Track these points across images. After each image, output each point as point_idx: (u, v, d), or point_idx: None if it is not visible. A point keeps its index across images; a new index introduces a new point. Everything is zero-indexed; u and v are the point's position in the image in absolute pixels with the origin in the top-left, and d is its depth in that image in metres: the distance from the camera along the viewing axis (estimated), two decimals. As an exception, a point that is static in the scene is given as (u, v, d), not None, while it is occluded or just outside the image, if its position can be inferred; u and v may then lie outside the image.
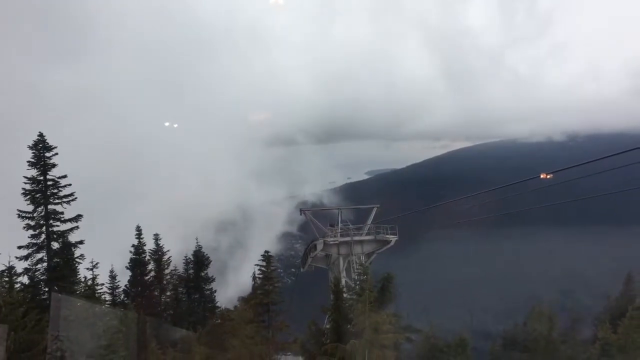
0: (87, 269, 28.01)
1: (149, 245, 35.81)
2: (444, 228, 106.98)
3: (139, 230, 34.93)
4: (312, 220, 45.41)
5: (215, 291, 39.34)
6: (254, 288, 33.72)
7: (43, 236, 26.32)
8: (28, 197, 25.99)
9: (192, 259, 38.28)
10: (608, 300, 40.30)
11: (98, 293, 29.10)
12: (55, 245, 26.61)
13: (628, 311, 29.64)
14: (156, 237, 36.10)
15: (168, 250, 36.36)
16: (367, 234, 43.26)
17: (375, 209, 45.72)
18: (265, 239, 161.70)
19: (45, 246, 26.32)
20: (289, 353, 31.95)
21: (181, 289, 37.54)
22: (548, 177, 19.10)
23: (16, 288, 24.14)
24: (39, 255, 26.23)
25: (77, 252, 27.26)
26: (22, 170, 26.02)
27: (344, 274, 40.38)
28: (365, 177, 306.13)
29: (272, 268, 32.96)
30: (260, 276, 33.28)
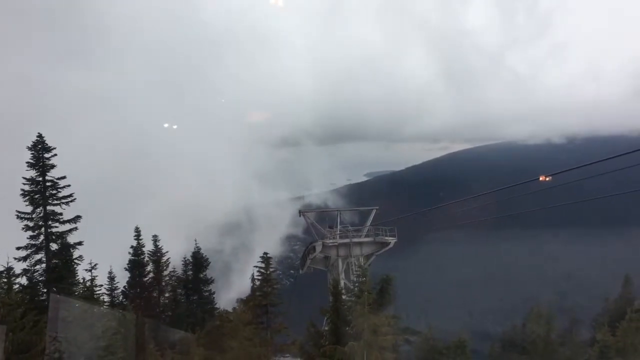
0: (86, 270, 27.98)
1: (150, 246, 35.81)
2: (443, 230, 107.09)
3: (137, 232, 34.88)
4: (311, 222, 45.43)
5: (214, 293, 39.28)
6: (253, 290, 33.74)
7: (42, 237, 26.27)
8: (27, 198, 25.97)
9: (191, 260, 38.22)
10: (606, 302, 40.29)
11: (97, 294, 29.06)
12: (54, 246, 26.57)
13: (627, 313, 29.65)
14: (155, 239, 36.05)
15: (167, 252, 36.31)
16: (366, 235, 43.28)
17: (374, 211, 45.76)
18: (269, 241, 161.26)
19: (44, 247, 26.27)
20: (288, 355, 31.94)
21: (180, 291, 37.46)
22: (547, 179, 19.15)
23: (15, 289, 24.06)
24: (38, 256, 26.17)
25: (76, 254, 27.23)
26: (22, 171, 26.07)
27: (343, 275, 40.38)
28: (365, 178, 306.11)
29: (270, 270, 33.00)
30: (259, 278, 33.32)
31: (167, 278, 36.53)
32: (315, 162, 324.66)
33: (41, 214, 26.20)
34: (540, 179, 18.99)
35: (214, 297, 39.05)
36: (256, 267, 33.72)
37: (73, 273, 27.22)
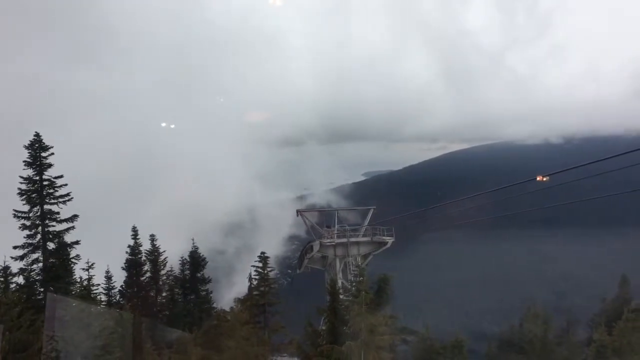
0: (83, 269, 27.96)
1: (152, 246, 35.81)
2: (440, 230, 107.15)
3: (134, 231, 34.87)
4: (309, 221, 45.42)
5: (211, 292, 39.29)
6: (250, 289, 33.74)
7: (39, 236, 26.28)
8: (24, 197, 25.93)
9: (189, 259, 38.21)
10: (603, 302, 40.41)
11: (94, 294, 29.04)
12: (51, 245, 26.55)
13: (623, 313, 29.73)
14: (152, 238, 36.05)
15: (164, 251, 36.31)
16: (364, 235, 43.29)
17: (371, 211, 45.78)
18: (271, 241, 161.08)
19: (41, 246, 26.27)
20: (285, 354, 31.94)
21: (177, 290, 37.46)
22: (544, 179, 19.19)
23: (11, 288, 24.10)
24: (35, 256, 26.19)
25: (73, 253, 27.22)
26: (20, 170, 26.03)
27: (340, 275, 40.38)
28: (363, 178, 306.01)
29: (268, 269, 33.01)
30: (257, 277, 33.32)
31: (165, 277, 36.56)
32: (314, 161, 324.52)
33: (38, 213, 26.18)
34: (538, 179, 19.03)
35: (211, 297, 39.07)
36: (253, 266, 33.75)
37: (70, 272, 27.22)
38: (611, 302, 39.20)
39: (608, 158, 14.89)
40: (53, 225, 26.55)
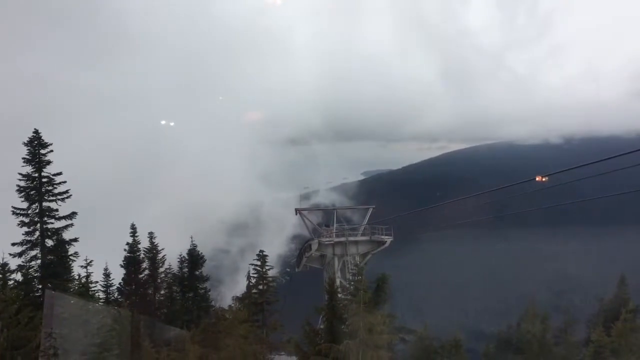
0: (82, 266, 27.95)
1: (153, 244, 35.81)
2: (439, 229, 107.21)
3: (133, 229, 34.85)
4: (308, 220, 45.45)
5: (209, 290, 39.30)
6: (249, 287, 33.78)
7: (37, 233, 26.26)
8: (23, 194, 25.91)
9: (187, 257, 38.19)
10: (601, 302, 40.40)
11: (92, 291, 29.06)
12: (49, 242, 26.53)
13: (622, 314, 29.75)
14: (151, 236, 36.04)
15: (163, 249, 36.29)
16: (362, 234, 43.32)
17: (370, 210, 45.81)
18: (275, 240, 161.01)
19: (39, 243, 26.25)
20: (283, 353, 31.96)
21: (175, 288, 37.47)
22: (544, 179, 19.20)
23: (10, 285, 24.05)
24: (33, 253, 26.17)
25: (72, 250, 27.22)
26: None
27: (338, 274, 40.40)
28: (362, 177, 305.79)
29: (266, 267, 33.05)
30: (255, 275, 33.35)
31: (163, 275, 36.54)
32: (314, 160, 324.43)
33: (37, 210, 26.15)
34: (537, 179, 19.05)
35: (209, 295, 39.07)
36: (252, 264, 33.78)
37: (68, 269, 27.24)
38: (609, 302, 39.18)
39: (608, 159, 14.90)
40: (52, 223, 26.54)
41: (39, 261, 26.21)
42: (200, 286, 38.33)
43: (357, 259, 41.38)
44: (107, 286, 32.89)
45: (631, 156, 13.99)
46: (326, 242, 41.55)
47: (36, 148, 25.95)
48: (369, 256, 42.56)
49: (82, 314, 21.10)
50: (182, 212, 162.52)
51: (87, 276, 28.66)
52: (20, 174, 25.88)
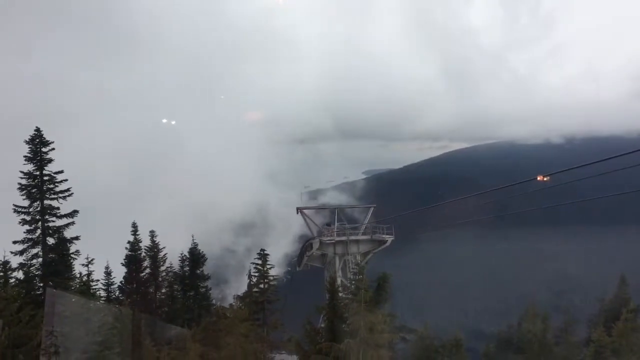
0: (83, 265, 27.99)
1: (154, 242, 35.85)
2: (440, 229, 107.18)
3: (134, 227, 34.89)
4: (309, 219, 45.46)
5: (210, 289, 39.33)
6: (249, 286, 33.79)
7: (39, 231, 26.30)
8: (24, 192, 25.95)
9: (188, 256, 38.21)
10: (602, 302, 40.37)
11: (93, 289, 29.09)
12: (50, 240, 26.57)
13: (622, 314, 29.73)
14: (152, 234, 36.07)
15: (164, 247, 36.32)
16: (364, 233, 43.31)
17: (371, 209, 45.82)
18: (282, 240, 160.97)
19: (40, 241, 26.29)
20: (284, 351, 31.99)
21: (176, 287, 37.49)
22: (545, 179, 19.19)
23: (11, 283, 24.11)
24: (34, 251, 26.22)
25: (73, 248, 27.26)
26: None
27: (339, 273, 40.41)
28: (363, 176, 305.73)
29: (267, 266, 33.06)
30: (256, 274, 33.37)
31: (164, 274, 36.57)
32: (314, 159, 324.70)
33: (38, 208, 26.19)
34: (538, 178, 19.04)
35: (210, 293, 39.11)
36: (253, 263, 33.81)
37: (70, 267, 27.28)
38: (610, 302, 39.17)
39: (608, 158, 14.88)
40: (53, 221, 26.58)
41: (40, 259, 26.26)
42: (201, 285, 38.37)
43: (358, 258, 41.40)
44: (108, 284, 32.91)
45: (632, 156, 13.98)
46: (327, 241, 41.56)
47: (37, 146, 25.99)
48: (370, 255, 42.56)
49: (83, 312, 21.12)
50: (189, 211, 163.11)
51: (88, 274, 28.69)
52: (21, 172, 25.92)
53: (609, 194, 18.70)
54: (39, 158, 26.05)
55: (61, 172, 26.48)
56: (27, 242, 26.01)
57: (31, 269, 26.05)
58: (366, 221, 44.52)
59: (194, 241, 38.74)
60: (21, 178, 25.99)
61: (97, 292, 30.01)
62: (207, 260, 39.65)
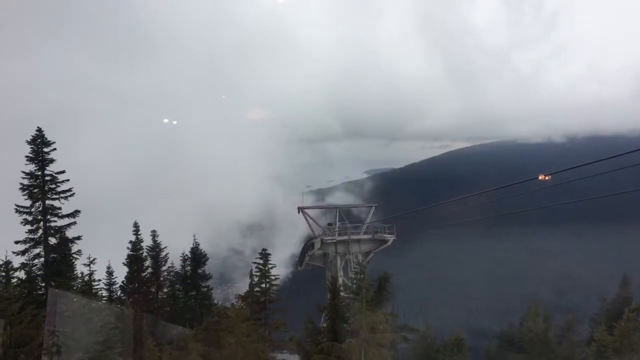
0: (84, 264, 28.02)
1: (155, 242, 35.88)
2: (441, 228, 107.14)
3: (136, 227, 34.90)
4: (310, 218, 45.43)
5: (212, 289, 39.36)
6: (251, 286, 33.78)
7: (40, 231, 26.31)
8: (26, 192, 25.98)
9: (190, 256, 38.24)
10: (604, 301, 40.36)
11: (95, 289, 29.08)
12: (52, 240, 26.60)
13: (624, 313, 29.68)
14: (153, 234, 36.08)
15: (165, 247, 36.33)
16: (365, 233, 43.27)
17: (373, 208, 45.78)
18: (290, 240, 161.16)
19: (42, 241, 26.30)
20: (285, 351, 31.98)
21: (178, 286, 37.52)
22: (546, 178, 19.15)
23: (13, 283, 24.13)
24: (36, 251, 26.23)
25: (75, 248, 27.27)
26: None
27: (341, 272, 40.40)
28: (365, 176, 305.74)
29: (269, 266, 33.05)
30: (257, 274, 33.36)
31: (166, 273, 36.58)
32: (316, 159, 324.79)
33: (40, 208, 26.22)
34: (539, 178, 19.00)
35: (211, 293, 39.13)
36: (254, 263, 33.80)
37: (71, 267, 27.28)
38: (612, 302, 39.15)
39: (611, 157, 14.86)
40: (55, 221, 26.61)
41: (42, 259, 26.28)
42: (203, 284, 38.39)
43: (360, 257, 41.38)
44: (110, 284, 32.92)
45: (634, 155, 13.94)
46: (328, 241, 41.53)
47: (39, 146, 26.00)
48: (371, 255, 42.53)
49: (85, 312, 21.09)
50: (197, 212, 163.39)
51: (90, 274, 28.70)
52: (23, 172, 25.95)
53: (611, 193, 18.67)
54: (40, 158, 26.07)
55: (63, 172, 26.50)
56: (29, 242, 26.02)
57: (33, 268, 26.07)
58: (368, 221, 44.48)
59: (196, 241, 38.80)
60: (23, 178, 26.01)
61: (99, 292, 30.00)
62: (215, 260, 39.82)
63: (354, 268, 37.39)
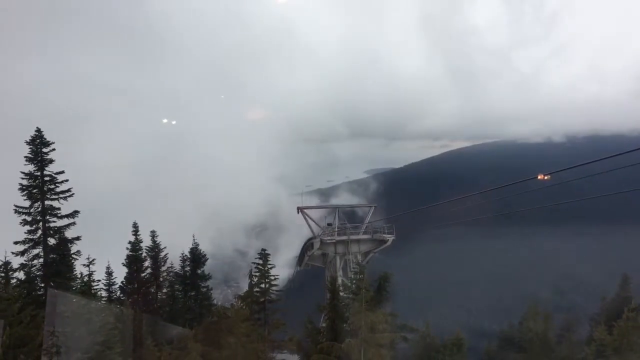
0: (84, 265, 27.99)
1: (155, 242, 35.85)
2: (441, 228, 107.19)
3: (135, 227, 34.85)
4: (309, 218, 45.43)
5: (211, 289, 39.29)
6: (251, 286, 33.75)
7: (39, 232, 26.30)
8: (25, 192, 25.96)
9: (189, 256, 38.17)
10: (603, 301, 40.36)
11: (94, 289, 29.07)
12: (51, 241, 26.58)
13: (624, 312, 29.68)
14: (153, 234, 36.03)
15: (165, 247, 36.28)
16: (364, 233, 43.28)
17: (372, 208, 45.79)
18: (295, 241, 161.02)
19: (41, 242, 26.29)
20: (285, 351, 31.96)
21: (177, 286, 37.46)
22: (545, 178, 19.15)
23: (12, 283, 24.12)
24: (36, 251, 26.21)
25: (74, 249, 27.25)
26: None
27: (340, 272, 40.40)
28: (364, 175, 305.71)
29: (268, 266, 33.02)
30: (257, 274, 33.33)
31: (165, 274, 36.53)
32: (316, 158, 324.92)
33: (39, 209, 26.20)
34: (539, 177, 19.00)
35: (211, 293, 39.06)
36: (254, 263, 33.77)
37: (71, 268, 27.26)
38: (611, 301, 39.14)
39: (610, 157, 14.85)
40: (54, 221, 26.59)
41: (41, 260, 26.26)
42: (202, 285, 38.33)
43: (359, 257, 41.38)
44: (109, 285, 32.87)
45: (634, 154, 13.94)
46: (328, 241, 41.52)
47: (38, 147, 25.98)
48: (370, 255, 42.53)
49: (84, 312, 21.10)
50: (202, 213, 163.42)
51: (89, 275, 28.67)
52: (22, 172, 25.94)
53: (611, 193, 18.67)
54: (39, 158, 26.05)
55: (62, 172, 26.49)
56: (28, 243, 26.00)
57: (32, 269, 26.05)
58: (367, 221, 44.48)
59: (195, 241, 38.73)
60: (22, 179, 26.00)
61: (98, 293, 29.99)
62: (220, 261, 39.82)
63: (354, 268, 37.42)
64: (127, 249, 34.59)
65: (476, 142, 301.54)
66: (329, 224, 44.97)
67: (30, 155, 25.96)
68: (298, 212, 46.05)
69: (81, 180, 27.09)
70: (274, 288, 33.40)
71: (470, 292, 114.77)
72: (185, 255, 38.12)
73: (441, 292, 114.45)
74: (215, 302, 38.41)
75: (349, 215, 47.09)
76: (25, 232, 25.99)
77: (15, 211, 25.94)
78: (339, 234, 42.34)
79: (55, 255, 26.60)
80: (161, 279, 36.00)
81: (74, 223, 26.94)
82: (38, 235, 26.27)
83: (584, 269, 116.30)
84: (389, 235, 41.24)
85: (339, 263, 41.26)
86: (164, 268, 36.22)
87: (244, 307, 30.09)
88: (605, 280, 55.50)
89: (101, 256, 29.56)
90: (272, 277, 33.45)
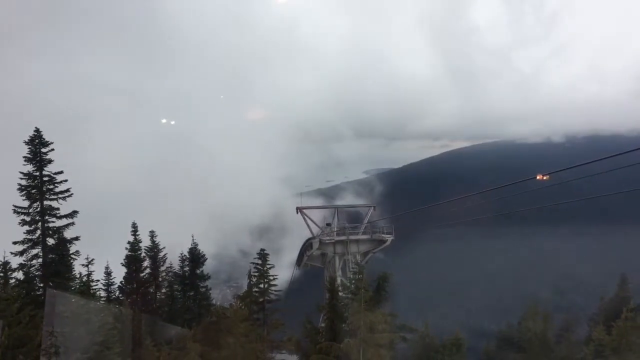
0: (83, 265, 27.98)
1: (154, 242, 35.83)
2: (440, 228, 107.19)
3: (134, 227, 34.83)
4: (308, 218, 45.42)
5: (210, 289, 39.27)
6: (249, 286, 33.75)
7: (38, 232, 26.29)
8: (24, 192, 25.94)
9: (188, 256, 38.15)
10: (602, 301, 40.37)
11: (93, 289, 29.06)
12: (50, 241, 26.56)
13: (622, 312, 29.69)
14: (152, 235, 36.01)
15: (164, 247, 36.26)
16: (363, 233, 43.27)
17: (371, 208, 45.79)
18: (297, 241, 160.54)
19: (40, 242, 26.28)
20: (284, 351, 31.96)
21: (176, 287, 37.44)
22: (544, 178, 19.14)
23: (11, 284, 24.10)
24: (34, 251, 26.21)
25: (73, 249, 27.24)
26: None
27: (339, 272, 40.38)
28: (364, 175, 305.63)
29: (267, 266, 33.02)
30: (256, 274, 33.32)
31: (164, 274, 36.51)
32: (314, 158, 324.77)
33: (38, 209, 26.18)
34: (538, 177, 18.98)
35: (210, 293, 39.05)
36: (253, 263, 33.76)
37: (69, 268, 27.26)
38: (610, 301, 39.14)
39: (609, 157, 14.83)
40: (53, 221, 26.58)
41: (40, 260, 26.26)
42: (201, 285, 38.31)
43: (358, 257, 41.37)
44: (108, 285, 32.86)
45: (634, 154, 13.93)
46: (327, 241, 41.51)
47: (37, 147, 25.97)
48: (370, 255, 42.53)
49: (83, 312, 21.11)
50: (206, 214, 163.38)
51: (88, 275, 28.66)
52: (21, 172, 25.92)
53: (611, 193, 18.66)
54: (38, 159, 26.03)
55: (61, 172, 26.48)
56: (27, 243, 26.00)
57: (31, 269, 26.04)
58: (366, 221, 44.47)
59: (194, 241, 38.71)
60: (21, 179, 25.98)
61: (97, 293, 29.98)
62: (223, 262, 39.78)
63: (353, 268, 37.41)
64: (126, 249, 34.58)
65: (476, 142, 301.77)
66: (328, 224, 44.97)
67: (29, 156, 25.95)
68: (297, 213, 46.02)
69: (80, 180, 26.99)
70: (273, 288, 33.40)
71: (470, 292, 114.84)
72: (184, 255, 38.11)
73: (441, 292, 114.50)
74: (214, 302, 38.39)
75: (348, 216, 47.07)
76: (24, 232, 25.99)
77: (14, 211, 25.94)
78: (338, 234, 42.33)
79: (54, 256, 26.59)
80: (160, 279, 35.98)
81: (73, 223, 26.93)
82: (37, 235, 26.27)
83: (584, 269, 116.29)
84: (388, 236, 41.23)
85: (338, 263, 41.25)
86: (163, 268, 36.21)
87: (243, 307, 30.09)
88: (605, 280, 55.52)
89: (100, 256, 29.56)
90: (271, 277, 33.44)
